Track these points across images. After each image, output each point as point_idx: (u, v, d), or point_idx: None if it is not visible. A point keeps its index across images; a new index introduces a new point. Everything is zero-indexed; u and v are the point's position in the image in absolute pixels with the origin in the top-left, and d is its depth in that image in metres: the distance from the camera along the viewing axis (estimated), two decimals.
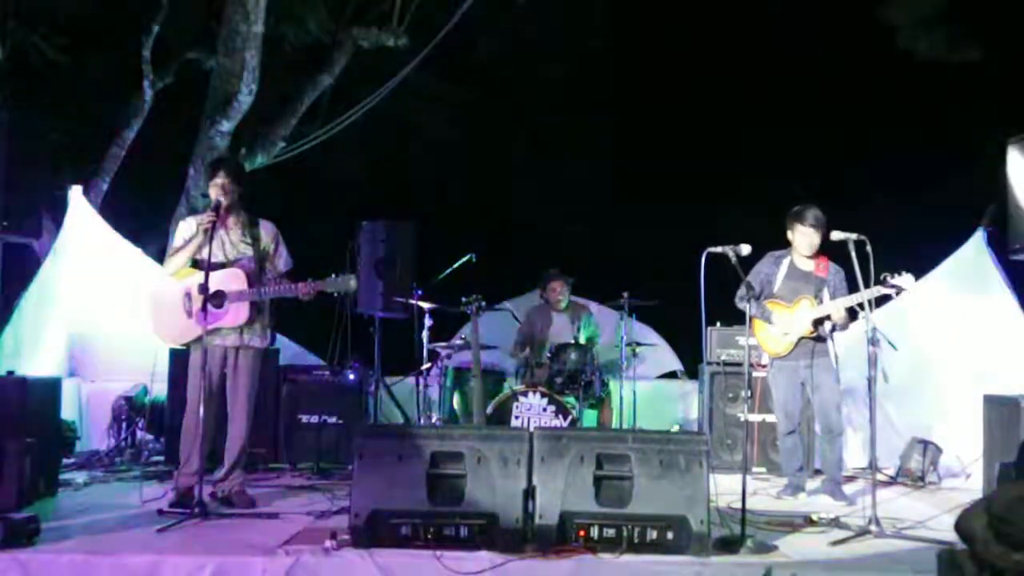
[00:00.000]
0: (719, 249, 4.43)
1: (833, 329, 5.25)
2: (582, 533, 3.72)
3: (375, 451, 3.84)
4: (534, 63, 11.21)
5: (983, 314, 6.47)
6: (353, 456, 3.85)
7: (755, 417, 6.25)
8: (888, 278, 4.74)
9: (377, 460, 3.82)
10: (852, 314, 5.14)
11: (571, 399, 6.15)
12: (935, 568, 3.04)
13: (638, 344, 6.75)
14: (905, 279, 4.76)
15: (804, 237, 5.24)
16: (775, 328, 5.28)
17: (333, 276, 4.56)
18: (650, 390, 7.27)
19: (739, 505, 4.09)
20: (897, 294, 4.86)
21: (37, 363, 6.32)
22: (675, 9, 10.83)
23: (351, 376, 6.26)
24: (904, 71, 9.95)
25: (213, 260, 4.49)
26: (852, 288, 4.91)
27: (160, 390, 6.20)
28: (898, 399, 6.36)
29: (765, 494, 5.43)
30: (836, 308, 5.08)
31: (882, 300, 4.91)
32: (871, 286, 4.63)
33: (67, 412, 5.78)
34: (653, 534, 3.71)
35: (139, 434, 6.33)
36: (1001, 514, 2.76)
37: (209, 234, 4.51)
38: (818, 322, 5.20)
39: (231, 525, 4.22)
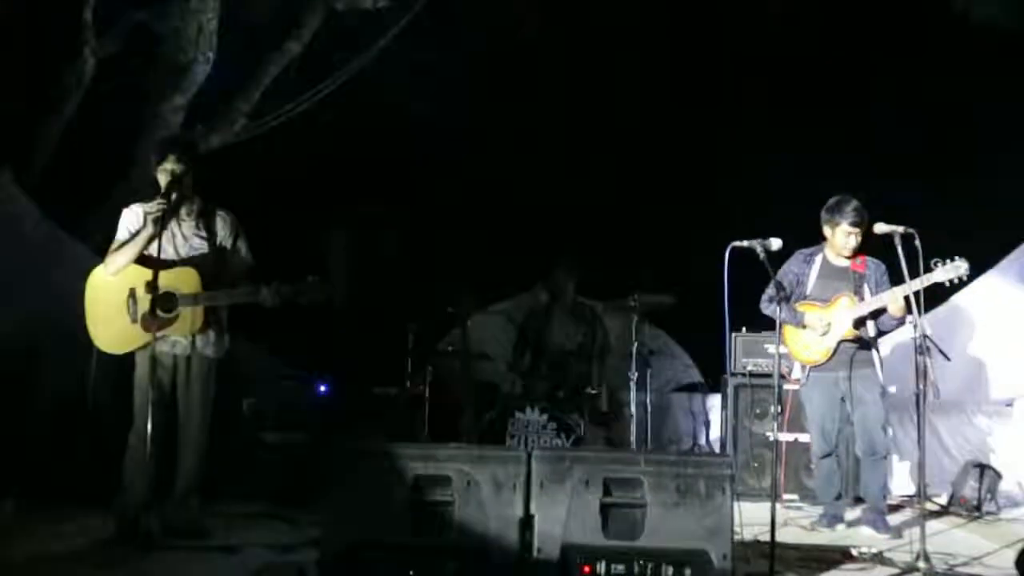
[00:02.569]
0: (745, 243, 4.43)
1: (879, 334, 5.23)
2: (587, 570, 3.71)
3: (349, 475, 3.83)
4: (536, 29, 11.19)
5: None
6: (324, 481, 3.84)
7: (786, 436, 6.24)
8: (940, 265, 4.72)
9: (351, 485, 3.81)
10: (907, 306, 5.03)
11: (575, 415, 6.15)
12: None
13: (651, 352, 6.75)
14: (958, 265, 4.74)
15: (844, 236, 5.22)
16: (810, 332, 5.27)
17: (305, 280, 4.55)
18: (665, 405, 7.27)
19: (767, 538, 4.09)
20: (952, 284, 4.83)
21: None
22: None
23: (323, 388, 6.26)
24: (963, 39, 9.93)
25: (163, 256, 4.46)
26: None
27: (100, 402, 6.19)
28: (951, 417, 6.36)
29: (797, 525, 5.45)
30: (893, 298, 5.02)
31: (933, 300, 4.90)
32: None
33: None
34: (668, 571, 3.71)
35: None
36: None
37: (160, 225, 4.49)
38: (860, 322, 5.19)
39: (182, 560, 4.23)
